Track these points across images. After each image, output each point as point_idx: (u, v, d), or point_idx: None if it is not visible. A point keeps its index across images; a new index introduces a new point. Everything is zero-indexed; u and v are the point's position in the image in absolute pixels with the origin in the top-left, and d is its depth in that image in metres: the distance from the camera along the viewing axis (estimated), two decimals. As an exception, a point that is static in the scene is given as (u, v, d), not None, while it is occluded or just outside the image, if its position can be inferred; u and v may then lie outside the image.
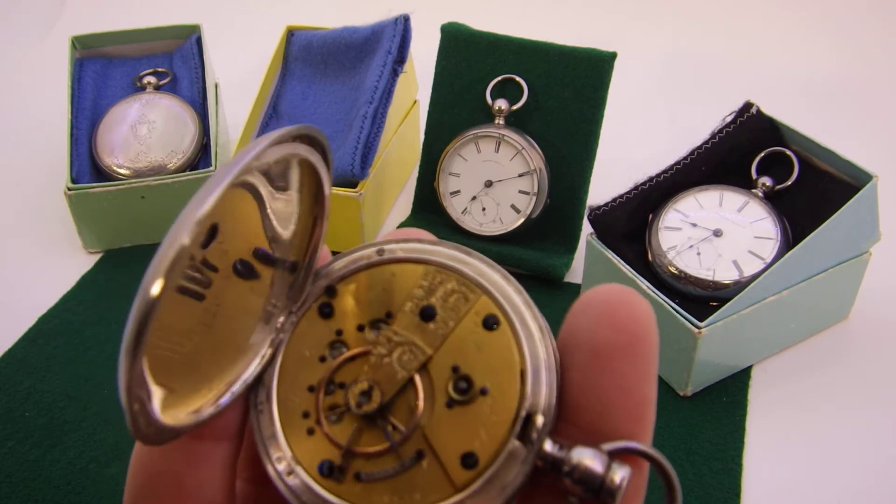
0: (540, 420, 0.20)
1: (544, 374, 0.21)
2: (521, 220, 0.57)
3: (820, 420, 0.47)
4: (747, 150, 0.51)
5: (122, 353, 0.17)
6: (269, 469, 0.21)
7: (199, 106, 0.66)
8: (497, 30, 0.60)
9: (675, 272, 0.49)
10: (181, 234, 0.17)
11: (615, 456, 0.20)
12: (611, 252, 0.50)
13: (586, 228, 0.56)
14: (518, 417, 0.20)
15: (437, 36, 0.61)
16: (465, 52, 0.60)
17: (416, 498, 0.20)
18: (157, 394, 0.19)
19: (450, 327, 0.22)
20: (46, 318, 0.56)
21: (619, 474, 0.19)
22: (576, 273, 0.58)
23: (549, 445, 0.20)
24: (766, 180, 0.50)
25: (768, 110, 0.51)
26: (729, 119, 0.52)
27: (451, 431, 0.21)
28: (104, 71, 0.68)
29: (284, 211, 0.23)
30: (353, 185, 0.58)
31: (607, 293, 0.20)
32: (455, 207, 0.59)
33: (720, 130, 0.52)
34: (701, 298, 0.48)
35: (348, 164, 0.57)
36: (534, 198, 0.57)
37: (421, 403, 0.21)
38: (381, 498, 0.21)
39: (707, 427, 0.46)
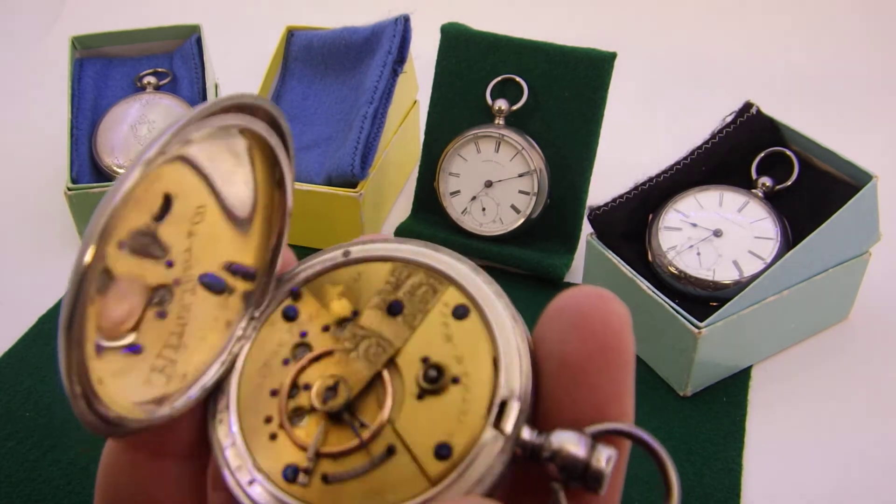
0: (516, 406, 0.19)
1: (518, 361, 0.20)
2: (521, 220, 0.57)
3: (820, 420, 0.47)
4: (747, 150, 0.51)
5: (58, 332, 0.17)
6: (230, 480, 0.20)
7: (199, 106, 0.66)
8: (497, 30, 0.60)
9: (675, 272, 0.49)
10: (110, 198, 0.17)
11: (599, 439, 0.19)
12: (611, 252, 0.50)
13: (586, 228, 0.56)
14: (493, 405, 0.19)
15: (437, 36, 0.60)
16: (465, 52, 0.60)
17: (389, 495, 0.19)
18: (104, 380, 0.18)
19: (418, 319, 0.21)
20: (46, 318, 0.56)
21: (605, 456, 0.18)
22: (576, 273, 0.58)
23: (526, 432, 0.19)
24: (766, 180, 0.50)
25: (768, 110, 0.51)
26: (729, 119, 0.52)
27: (423, 423, 0.20)
28: (104, 71, 0.68)
29: (242, 207, 0.22)
30: (353, 186, 0.58)
31: (580, 298, 0.19)
32: (455, 207, 0.59)
33: (720, 130, 0.52)
34: (701, 298, 0.48)
35: (348, 164, 0.57)
36: (534, 198, 0.57)
37: (390, 397, 0.20)
38: (351, 498, 0.19)
39: (707, 427, 0.46)
